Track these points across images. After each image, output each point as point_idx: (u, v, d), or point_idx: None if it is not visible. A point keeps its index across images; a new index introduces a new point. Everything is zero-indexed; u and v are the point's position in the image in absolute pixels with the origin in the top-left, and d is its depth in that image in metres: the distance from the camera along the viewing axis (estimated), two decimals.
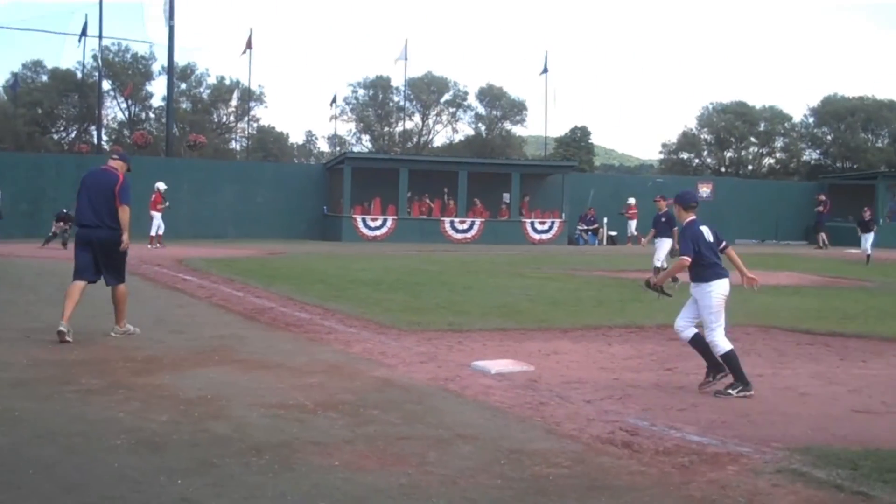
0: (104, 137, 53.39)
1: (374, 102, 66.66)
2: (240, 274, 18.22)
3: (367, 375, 8.16)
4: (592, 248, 37.59)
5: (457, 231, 37.33)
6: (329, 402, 6.99)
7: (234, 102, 62.24)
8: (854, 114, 61.19)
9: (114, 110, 60.89)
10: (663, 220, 17.17)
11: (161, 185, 28.39)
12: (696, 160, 66.92)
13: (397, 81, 63.15)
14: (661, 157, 70.54)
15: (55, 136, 61.14)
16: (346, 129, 68.09)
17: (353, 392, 7.40)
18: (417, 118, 67.97)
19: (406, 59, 49.43)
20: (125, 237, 10.04)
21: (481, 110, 67.58)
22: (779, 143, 65.79)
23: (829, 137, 63.17)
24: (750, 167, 65.84)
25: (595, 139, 69.73)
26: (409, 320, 11.70)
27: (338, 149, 62.50)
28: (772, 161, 66.99)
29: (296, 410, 6.70)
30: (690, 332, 8.03)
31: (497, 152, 61.33)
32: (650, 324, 11.65)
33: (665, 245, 17.18)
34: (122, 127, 60.57)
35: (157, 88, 66.35)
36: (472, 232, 37.50)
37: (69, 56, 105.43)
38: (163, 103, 53.57)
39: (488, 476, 5.17)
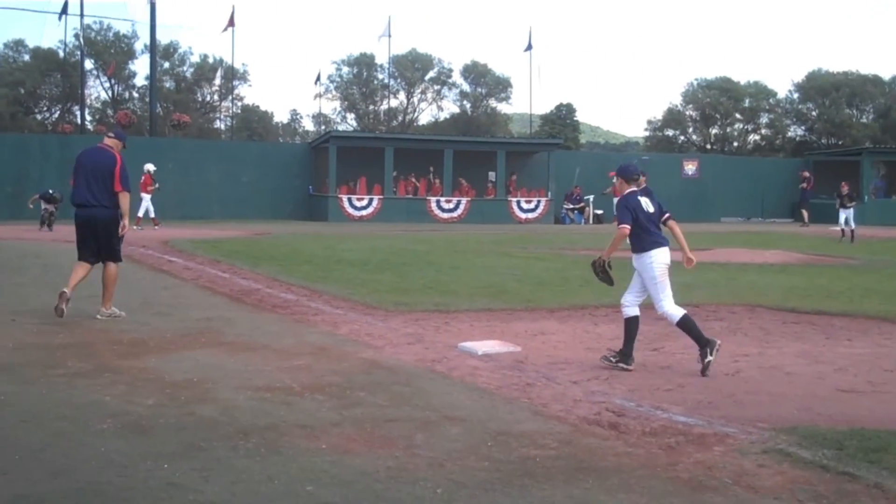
0: (88, 117, 52.99)
1: (359, 80, 66.31)
2: (226, 255, 18.17)
3: (354, 357, 8.16)
4: (579, 227, 37.63)
5: (443, 210, 37.31)
6: (316, 384, 6.98)
7: (217, 81, 61.97)
8: (839, 89, 61.14)
9: (97, 90, 60.53)
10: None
11: (150, 167, 28.25)
12: (682, 137, 66.92)
13: (381, 59, 62.86)
14: (647, 134, 70.56)
15: (38, 117, 60.66)
16: (330, 107, 67.86)
17: (340, 374, 7.40)
18: (402, 96, 67.80)
19: (390, 35, 49.10)
20: (125, 221, 10.13)
21: (466, 88, 67.46)
22: (764, 119, 65.82)
23: (813, 113, 63.16)
24: (735, 144, 65.93)
25: (580, 116, 69.71)
26: (395, 301, 11.70)
27: (323, 127, 62.30)
28: (757, 138, 67.08)
29: (282, 393, 6.69)
30: (633, 310, 8.09)
31: (482, 130, 61.20)
32: None
33: None
34: (105, 107, 60.12)
35: (140, 67, 66.29)
36: (459, 211, 37.49)
37: (51, 35, 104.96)
38: (146, 82, 53.34)
39: (476, 458, 5.18)
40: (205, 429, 5.69)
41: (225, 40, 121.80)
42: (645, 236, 7.99)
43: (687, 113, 66.59)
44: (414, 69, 65.58)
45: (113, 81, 59.02)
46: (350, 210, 36.21)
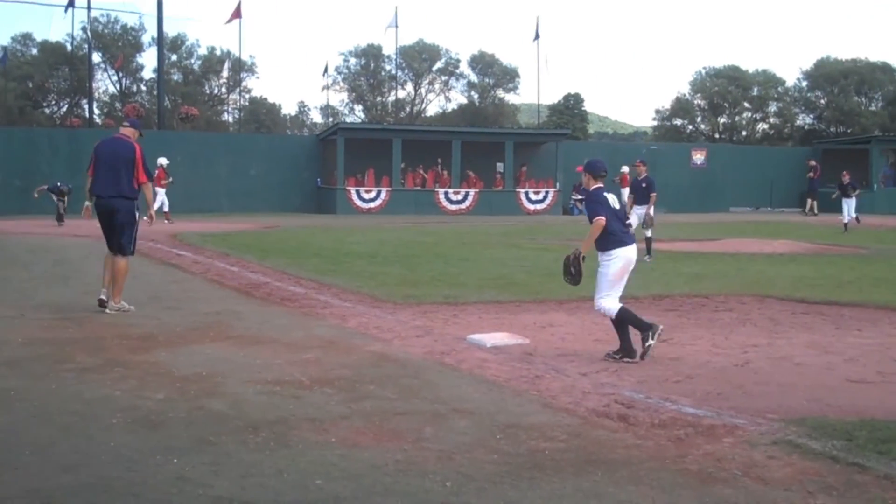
0: (96, 111, 53.14)
1: (366, 71, 66.29)
2: (234, 248, 18.19)
3: (362, 350, 8.16)
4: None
5: (451, 202, 37.26)
6: (325, 377, 6.99)
7: (225, 73, 61.98)
8: (847, 77, 60.84)
9: (105, 83, 60.65)
10: (643, 185, 17.03)
11: (164, 161, 28.25)
12: (690, 126, 66.71)
13: (389, 50, 62.77)
14: (655, 123, 70.33)
15: (47, 111, 60.83)
16: (338, 99, 68.04)
17: (349, 367, 7.40)
18: (410, 87, 67.72)
19: (397, 26, 49.01)
20: (152, 211, 10.75)
21: (474, 78, 67.36)
22: (772, 107, 65.55)
23: (822, 101, 62.90)
24: (744, 133, 65.70)
25: (588, 106, 69.40)
26: (404, 294, 11.70)
27: (330, 119, 62.28)
28: (765, 126, 66.83)
29: (292, 386, 6.70)
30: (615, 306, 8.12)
31: (490, 121, 61.13)
32: (644, 294, 11.64)
33: (640, 212, 16.95)
34: (113, 100, 60.25)
35: (148, 60, 66.08)
36: (467, 203, 37.43)
37: (58, 28, 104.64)
38: (154, 75, 53.30)
39: (485, 451, 5.18)
40: (214, 423, 5.71)
41: (232, 32, 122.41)
42: (609, 235, 7.99)
43: (695, 102, 66.36)
44: (421, 60, 65.54)
45: (121, 74, 59.14)
46: (358, 202, 36.19)
